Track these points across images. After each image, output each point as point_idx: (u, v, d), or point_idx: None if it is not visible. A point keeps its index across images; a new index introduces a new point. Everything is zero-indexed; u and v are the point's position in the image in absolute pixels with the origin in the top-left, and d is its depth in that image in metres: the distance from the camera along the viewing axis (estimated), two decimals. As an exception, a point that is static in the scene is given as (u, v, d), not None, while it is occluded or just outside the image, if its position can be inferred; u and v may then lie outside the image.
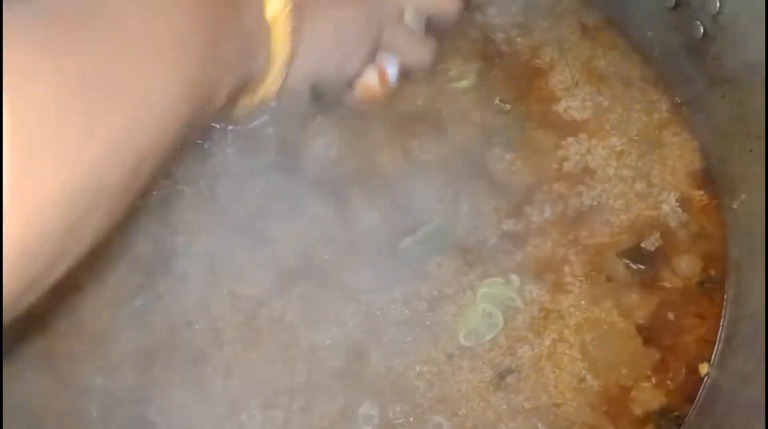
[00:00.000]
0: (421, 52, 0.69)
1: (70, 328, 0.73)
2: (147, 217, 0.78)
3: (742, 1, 0.70)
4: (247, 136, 0.82)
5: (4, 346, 0.70)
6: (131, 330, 0.73)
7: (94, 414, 0.71)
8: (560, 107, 0.86)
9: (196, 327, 0.74)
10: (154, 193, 0.78)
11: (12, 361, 0.72)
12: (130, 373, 0.72)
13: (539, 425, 0.71)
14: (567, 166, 0.83)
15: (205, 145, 0.81)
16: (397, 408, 0.71)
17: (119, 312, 0.74)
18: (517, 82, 0.88)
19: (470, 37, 0.90)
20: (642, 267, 0.78)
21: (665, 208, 0.81)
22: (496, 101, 0.86)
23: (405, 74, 0.71)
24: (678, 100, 0.86)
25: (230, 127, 0.81)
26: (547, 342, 0.75)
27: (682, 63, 0.83)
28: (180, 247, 0.77)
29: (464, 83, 0.88)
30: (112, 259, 0.76)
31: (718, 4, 0.73)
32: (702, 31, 0.77)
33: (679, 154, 0.83)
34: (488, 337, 0.75)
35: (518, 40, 0.90)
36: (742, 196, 0.78)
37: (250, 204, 0.79)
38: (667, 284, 0.78)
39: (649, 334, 0.76)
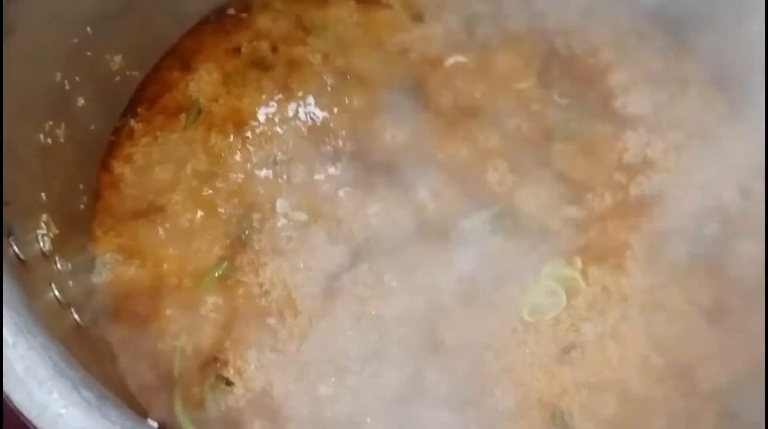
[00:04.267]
0: None
1: (157, 295, 0.78)
2: (225, 195, 0.83)
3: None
4: (321, 125, 0.88)
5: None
6: (213, 296, 0.77)
7: (176, 373, 0.74)
8: (619, 103, 0.90)
9: (273, 295, 0.77)
10: (234, 175, 0.84)
11: (104, 327, 0.76)
12: (211, 336, 0.76)
13: (605, 397, 0.72)
14: (627, 157, 0.86)
15: (279, 130, 0.87)
16: (466, 376, 0.73)
17: (203, 280, 0.78)
18: (576, 81, 0.92)
19: (531, 41, 0.95)
20: (704, 252, 0.79)
21: (725, 197, 0.83)
22: (556, 97, 0.91)
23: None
24: (735, 97, 0.88)
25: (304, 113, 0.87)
26: (611, 321, 0.76)
27: (737, 62, 0.86)
28: (257, 223, 0.81)
29: (525, 84, 0.93)
30: (196, 232, 0.81)
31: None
32: (756, 30, 0.80)
33: (738, 148, 0.86)
34: (551, 315, 0.77)
35: (576, 43, 0.95)
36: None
37: (324, 187, 0.84)
38: (730, 270, 0.79)
39: (713, 317, 0.77)
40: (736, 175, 0.84)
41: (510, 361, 0.74)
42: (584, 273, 0.79)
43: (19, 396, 0.49)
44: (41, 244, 0.67)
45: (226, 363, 0.74)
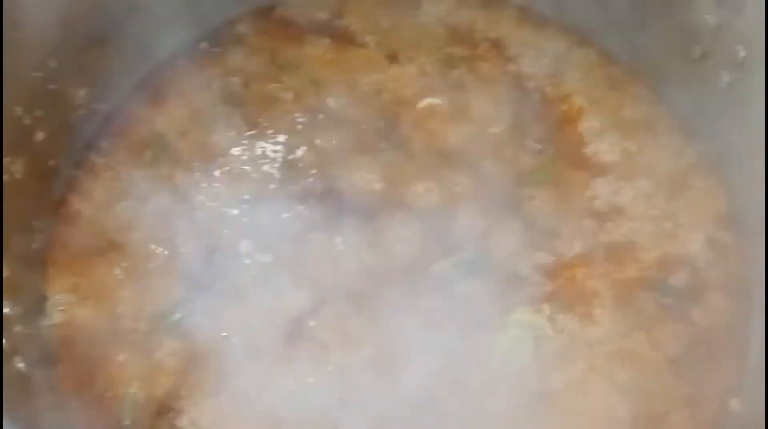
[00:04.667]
0: None
1: (111, 339, 0.75)
2: (188, 235, 0.81)
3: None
4: (290, 164, 0.87)
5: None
6: (170, 340, 0.75)
7: (128, 422, 0.71)
8: (589, 150, 0.90)
9: (233, 340, 0.75)
10: (198, 214, 0.82)
11: (51, 371, 0.73)
12: (166, 383, 0.73)
13: (571, 452, 0.71)
14: (597, 204, 0.86)
15: (247, 168, 0.85)
16: (429, 427, 0.71)
17: (159, 323, 0.76)
18: (548, 127, 0.92)
19: (504, 84, 0.95)
20: (671, 302, 0.79)
21: (693, 246, 0.83)
22: (529, 142, 0.91)
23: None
24: (704, 147, 0.89)
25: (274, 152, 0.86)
26: (578, 370, 0.75)
27: (707, 112, 0.87)
28: (219, 265, 0.79)
29: (498, 128, 0.92)
30: (155, 272, 0.78)
31: (743, 54, 0.77)
32: (727, 80, 0.81)
33: (706, 197, 0.86)
34: (520, 364, 0.75)
35: (549, 89, 0.96)
36: (769, 238, 0.80)
37: (291, 228, 0.82)
38: (697, 319, 0.79)
39: (680, 368, 0.76)
40: (703, 224, 0.84)
41: (476, 412, 0.73)
42: (552, 320, 0.78)
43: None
44: (-12, 287, 0.64)
45: (180, 412, 0.72)
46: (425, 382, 0.74)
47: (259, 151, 0.87)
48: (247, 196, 0.84)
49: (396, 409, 0.72)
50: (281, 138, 0.89)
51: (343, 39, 0.96)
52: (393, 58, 0.96)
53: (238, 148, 0.87)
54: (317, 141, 0.89)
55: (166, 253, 0.79)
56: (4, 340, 0.62)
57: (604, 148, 0.90)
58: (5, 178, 0.70)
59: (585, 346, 0.77)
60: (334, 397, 0.73)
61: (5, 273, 0.67)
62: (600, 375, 0.75)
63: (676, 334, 0.78)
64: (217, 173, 0.85)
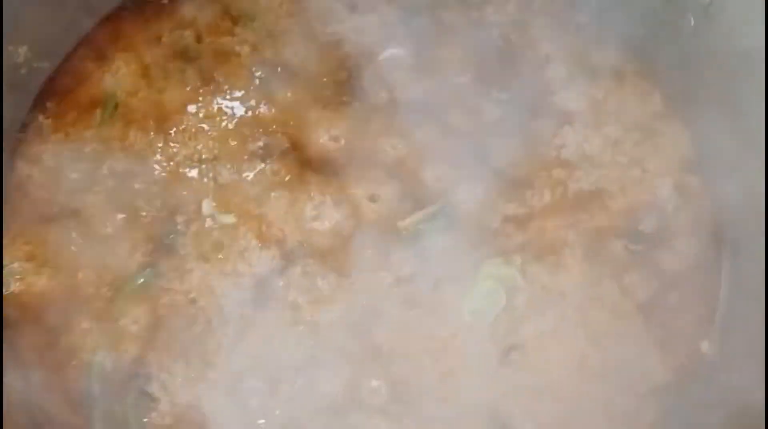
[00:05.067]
0: None
1: (72, 306, 0.72)
2: (146, 198, 0.78)
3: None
4: (250, 120, 0.83)
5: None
6: (134, 306, 0.72)
7: (97, 390, 0.69)
8: (556, 98, 0.88)
9: (200, 303, 0.73)
10: (156, 175, 0.79)
11: (12, 341, 0.71)
12: (133, 349, 0.71)
13: (546, 399, 0.71)
14: (565, 153, 0.85)
15: (204, 126, 0.82)
16: (404, 382, 0.71)
17: (122, 289, 0.73)
18: (514, 75, 0.90)
19: (468, 33, 0.93)
20: (641, 248, 0.79)
21: (661, 192, 0.83)
22: (494, 93, 0.89)
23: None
24: (670, 91, 0.88)
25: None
26: (550, 320, 0.75)
27: (673, 56, 0.86)
28: (181, 227, 0.77)
29: (463, 78, 0.90)
30: (115, 237, 0.75)
31: (708, -5, 0.76)
32: (692, 22, 0.80)
33: (673, 143, 0.86)
34: (491, 315, 0.75)
35: (514, 36, 0.93)
36: (735, 181, 0.80)
37: (253, 187, 0.80)
38: (667, 265, 0.79)
39: (650, 313, 0.77)
40: (670, 170, 0.84)
41: (450, 365, 0.73)
42: (523, 271, 0.78)
43: None
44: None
45: (149, 378, 0.70)
46: (397, 337, 0.73)
47: (215, 108, 0.83)
48: (205, 156, 0.80)
49: (369, 366, 0.72)
50: (239, 93, 0.85)
51: (300, -13, 0.92)
52: (352, 7, 0.92)
53: (194, 106, 0.83)
54: (277, 96, 0.85)
55: (125, 216, 0.76)
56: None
57: (571, 96, 0.88)
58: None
59: (557, 295, 0.77)
60: (306, 355, 0.71)
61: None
62: (572, 324, 0.75)
63: (646, 280, 0.78)
64: (172, 132, 0.81)
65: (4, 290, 0.71)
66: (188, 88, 0.84)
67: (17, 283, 0.72)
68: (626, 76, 0.90)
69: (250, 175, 0.80)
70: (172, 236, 0.76)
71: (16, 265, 0.73)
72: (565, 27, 0.92)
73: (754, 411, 0.63)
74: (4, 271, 0.72)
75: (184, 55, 0.86)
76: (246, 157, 0.81)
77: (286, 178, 0.80)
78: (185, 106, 0.83)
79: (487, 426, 0.71)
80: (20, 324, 0.71)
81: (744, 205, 0.78)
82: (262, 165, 0.81)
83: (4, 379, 0.66)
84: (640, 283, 0.78)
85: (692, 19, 0.80)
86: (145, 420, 0.69)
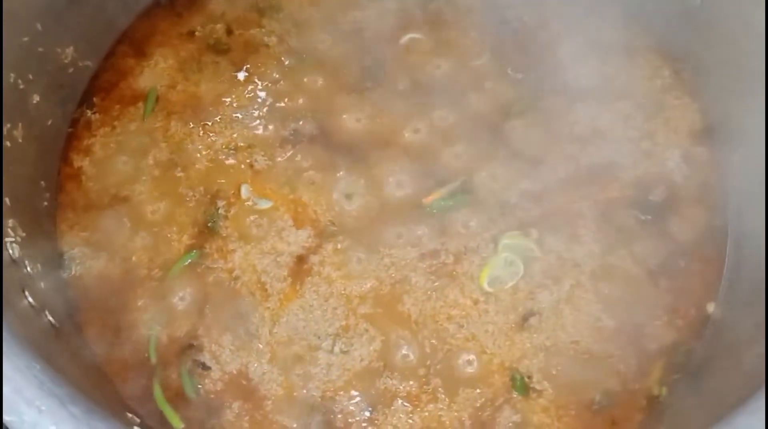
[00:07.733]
0: None
1: (127, 286, 0.80)
2: (189, 184, 0.84)
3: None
4: (280, 108, 0.89)
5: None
6: (183, 284, 0.79)
7: (153, 362, 0.77)
8: (569, 76, 0.92)
9: (243, 280, 0.80)
10: (196, 163, 0.85)
11: (78, 320, 0.78)
12: (185, 323, 0.78)
13: (562, 359, 0.77)
14: (578, 128, 0.89)
15: (239, 115, 0.88)
16: (431, 347, 0.77)
17: (172, 269, 0.80)
18: (528, 55, 0.94)
19: (482, 15, 0.97)
20: (651, 217, 0.84)
21: (670, 164, 0.87)
22: (510, 72, 0.93)
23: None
24: (679, 65, 0.92)
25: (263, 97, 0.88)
26: (565, 287, 0.81)
27: (682, 31, 0.90)
28: (222, 210, 0.83)
29: (479, 60, 0.94)
30: (163, 221, 0.82)
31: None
32: (700, -1, 0.83)
33: (681, 114, 0.90)
34: (510, 284, 0.81)
35: (527, 17, 0.97)
36: (741, 150, 0.84)
37: (286, 171, 0.86)
38: (676, 233, 0.84)
39: (660, 278, 0.82)
40: (679, 141, 0.88)
41: (472, 330, 0.78)
42: (540, 243, 0.83)
43: (9, 417, 0.51)
44: (10, 251, 0.68)
45: (201, 348, 0.77)
46: (424, 306, 0.79)
47: (248, 98, 0.89)
48: (241, 143, 0.86)
49: (399, 333, 0.78)
50: (269, 83, 0.90)
51: (321, -22, 0.96)
52: (371, -7, 0.96)
53: (228, 97, 0.89)
54: (304, 83, 0.91)
55: (171, 203, 0.83)
56: (32, 298, 0.66)
57: (583, 73, 0.92)
58: (7, 144, 0.72)
59: (571, 264, 0.82)
60: (340, 326, 0.78)
61: (21, 233, 0.70)
62: (586, 290, 0.81)
63: (656, 247, 0.83)
64: (209, 122, 0.87)
65: (67, 273, 0.78)
66: (222, 80, 0.89)
67: (78, 268, 0.79)
68: (637, 52, 0.94)
69: (283, 160, 0.86)
70: (214, 220, 0.82)
71: (75, 250, 0.80)
72: (576, 5, 0.96)
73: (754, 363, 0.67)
74: (66, 256, 0.79)
75: (216, 48, 0.92)
76: (278, 143, 0.87)
77: (317, 162, 0.86)
78: (220, 97, 0.88)
79: (508, 385, 0.77)
80: (83, 303, 0.78)
81: (749, 174, 0.82)
82: (293, 150, 0.87)
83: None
84: (650, 251, 0.83)
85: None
86: (199, 386, 0.75)
